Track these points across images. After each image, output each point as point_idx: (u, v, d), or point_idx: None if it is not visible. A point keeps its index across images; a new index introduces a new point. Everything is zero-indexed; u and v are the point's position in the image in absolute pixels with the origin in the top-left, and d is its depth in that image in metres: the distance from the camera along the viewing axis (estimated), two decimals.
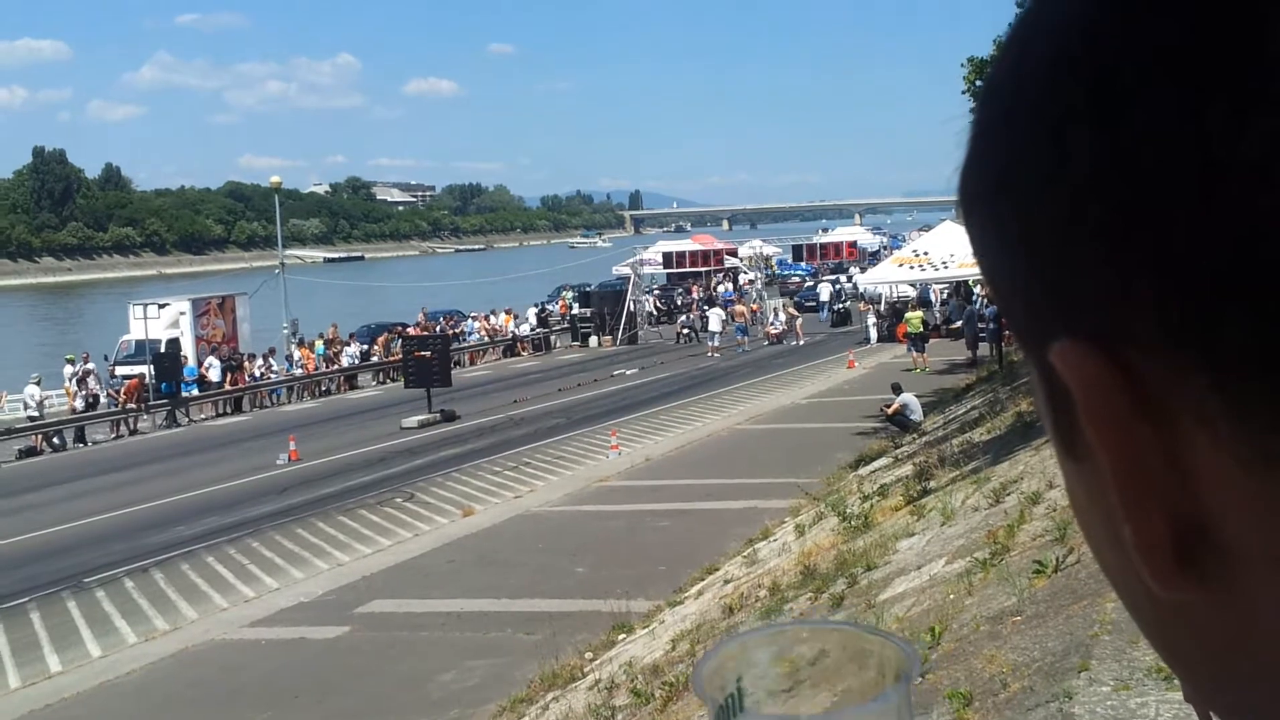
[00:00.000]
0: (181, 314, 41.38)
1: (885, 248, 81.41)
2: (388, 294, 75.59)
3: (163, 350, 37.90)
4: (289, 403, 41.39)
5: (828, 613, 9.88)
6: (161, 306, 40.85)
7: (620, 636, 13.53)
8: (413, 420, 32.13)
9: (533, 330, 53.60)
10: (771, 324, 49.45)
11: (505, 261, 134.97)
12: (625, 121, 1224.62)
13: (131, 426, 36.66)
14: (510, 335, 52.30)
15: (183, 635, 16.09)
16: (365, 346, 46.86)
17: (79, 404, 36.36)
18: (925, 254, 41.17)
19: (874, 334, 45.10)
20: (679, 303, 61.64)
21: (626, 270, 58.38)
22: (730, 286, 67.90)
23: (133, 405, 36.41)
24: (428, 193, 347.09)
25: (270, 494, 24.74)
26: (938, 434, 21.70)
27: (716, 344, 46.70)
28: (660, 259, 73.06)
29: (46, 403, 36.18)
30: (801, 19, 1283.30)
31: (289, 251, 63.71)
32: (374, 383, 45.03)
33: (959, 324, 39.26)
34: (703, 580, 15.44)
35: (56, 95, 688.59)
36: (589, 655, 12.99)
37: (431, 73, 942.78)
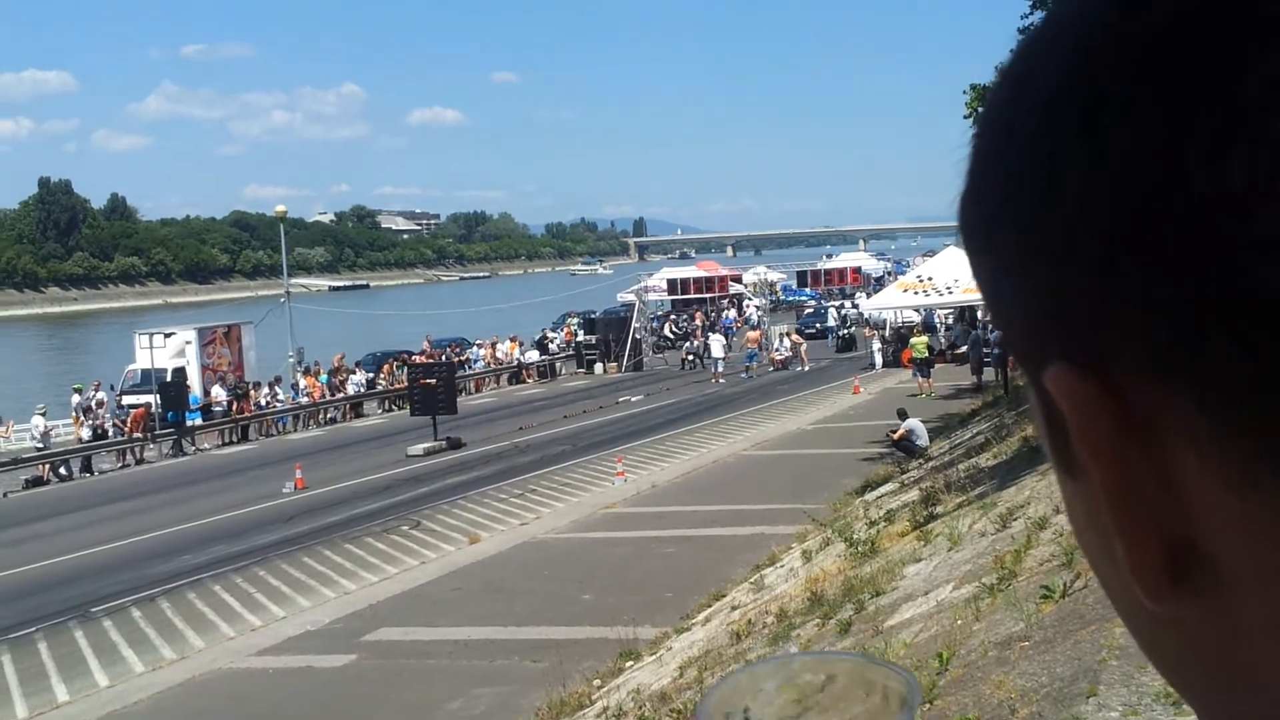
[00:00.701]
0: (187, 343, 41.42)
1: (890, 273, 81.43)
2: (393, 322, 75.64)
3: (168, 380, 37.92)
4: (295, 431, 41.41)
5: (835, 639, 9.88)
6: (167, 336, 40.89)
7: (627, 664, 13.52)
8: (418, 448, 32.13)
9: (542, 355, 53.63)
10: (776, 350, 49.46)
11: (510, 289, 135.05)
12: (629, 149, 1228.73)
13: (138, 456, 36.70)
14: (515, 362, 52.32)
15: (190, 664, 16.08)
16: (370, 375, 46.91)
17: (85, 433, 36.38)
18: (930, 279, 41.23)
19: (879, 359, 45.09)
20: (684, 329, 61.74)
21: (631, 297, 58.44)
22: (733, 314, 68.02)
23: (139, 435, 36.44)
24: (432, 221, 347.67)
25: (277, 522, 24.74)
26: (944, 459, 21.67)
27: (720, 370, 46.71)
28: (665, 285, 73.19)
29: (53, 432, 36.22)
30: (806, 47, 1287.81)
31: (294, 280, 63.89)
32: (379, 410, 45.08)
33: (964, 349, 39.26)
34: (710, 607, 15.43)
35: (62, 126, 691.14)
36: (596, 683, 12.97)
37: (435, 102, 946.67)
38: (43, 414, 35.64)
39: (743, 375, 46.25)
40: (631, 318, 53.40)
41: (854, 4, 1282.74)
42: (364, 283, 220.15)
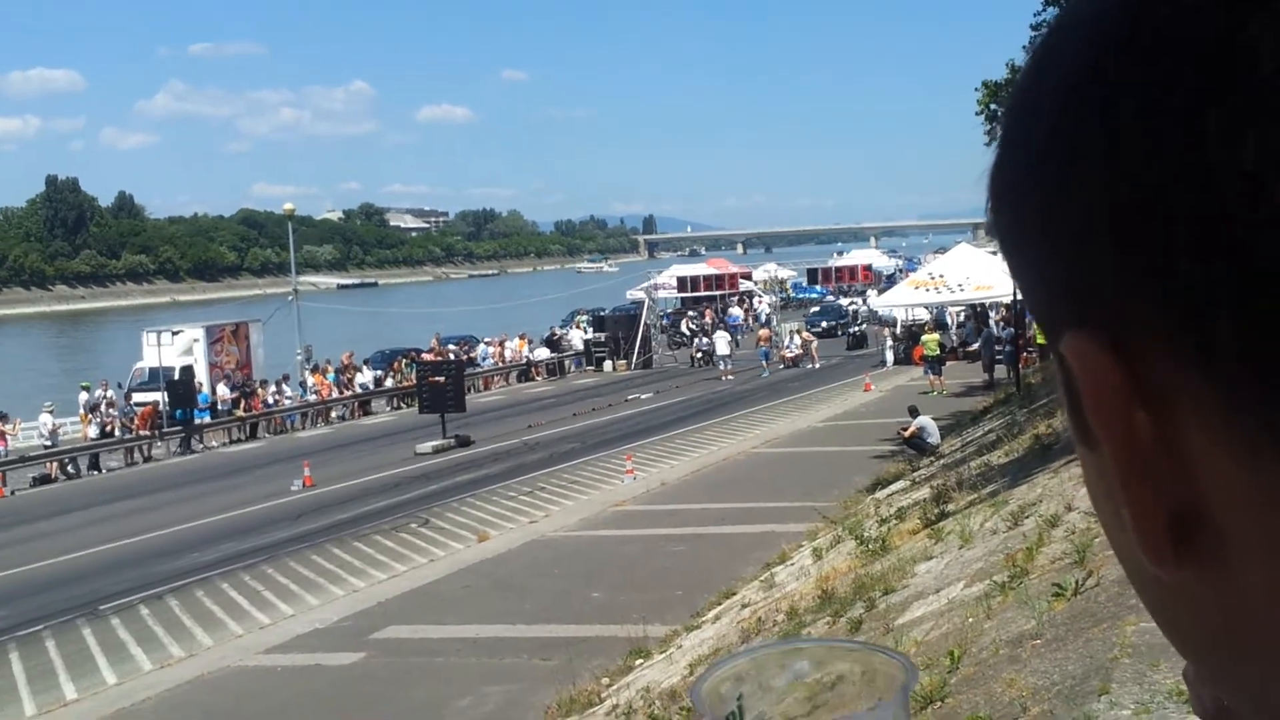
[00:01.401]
0: (195, 341, 41.44)
1: (901, 270, 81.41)
2: (401, 320, 75.70)
3: (176, 377, 37.96)
4: (303, 429, 41.43)
5: (847, 637, 9.83)
6: (175, 334, 40.96)
7: (637, 662, 13.49)
8: (427, 446, 32.13)
9: (554, 352, 53.63)
10: (787, 347, 49.41)
11: (519, 287, 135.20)
12: (639, 146, 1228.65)
13: (146, 454, 36.74)
14: (524, 360, 52.32)
15: (199, 662, 16.08)
16: (379, 372, 46.92)
17: (93, 431, 36.40)
18: (941, 276, 41.19)
19: (890, 357, 45.04)
20: (701, 325, 61.75)
21: (641, 295, 58.40)
22: (738, 312, 68.02)
23: (147, 432, 36.48)
24: (441, 218, 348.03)
25: (285, 520, 24.74)
26: (955, 457, 21.63)
27: (729, 367, 46.65)
28: (675, 283, 73.14)
29: (60, 430, 36.27)
30: (817, 43, 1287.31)
31: (302, 278, 63.96)
32: (388, 408, 45.09)
33: (976, 346, 39.18)
34: (720, 605, 15.40)
35: (70, 124, 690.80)
36: (606, 681, 12.95)
37: (445, 99, 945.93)
38: (51, 412, 35.67)
39: (760, 374, 46.12)
40: (641, 315, 53.39)
41: (865, 3, 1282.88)
42: (372, 280, 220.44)
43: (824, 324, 56.47)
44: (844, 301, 66.94)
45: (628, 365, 51.28)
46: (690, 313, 65.31)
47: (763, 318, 58.35)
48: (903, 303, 45.16)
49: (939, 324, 44.74)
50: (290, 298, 49.12)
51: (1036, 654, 6.78)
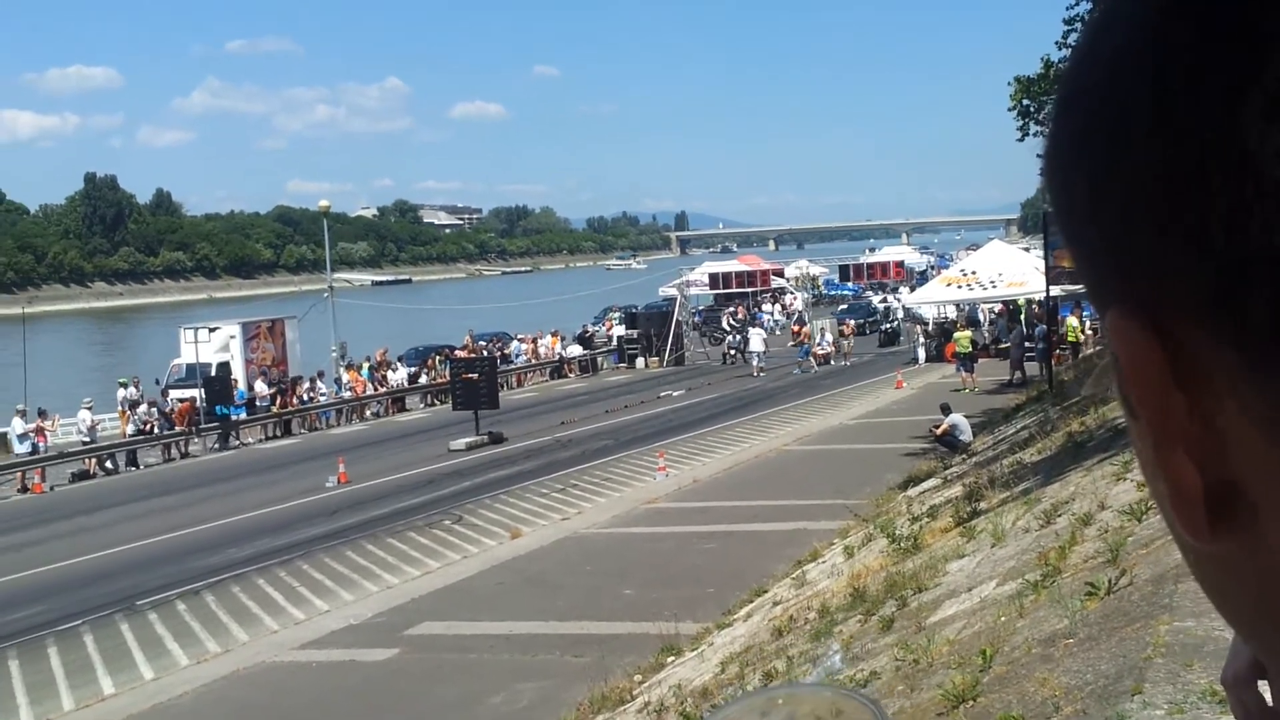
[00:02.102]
0: (232, 338, 41.77)
1: (933, 267, 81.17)
2: (435, 316, 75.98)
3: (213, 374, 38.23)
4: (338, 425, 41.64)
5: (878, 635, 9.83)
6: (212, 330, 41.24)
7: (669, 659, 13.51)
8: (460, 442, 32.23)
9: (587, 350, 53.70)
10: (819, 344, 49.32)
11: (551, 284, 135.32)
12: (670, 142, 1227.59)
13: (183, 450, 36.99)
14: (557, 357, 52.41)
15: (234, 657, 16.19)
16: (413, 369, 47.09)
17: (130, 428, 36.66)
18: (973, 273, 41.08)
19: (922, 354, 44.92)
20: (743, 321, 61.79)
21: (673, 291, 58.43)
22: (769, 308, 68.02)
23: (184, 429, 36.74)
24: (474, 215, 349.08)
25: (320, 516, 24.88)
26: (987, 455, 21.56)
27: (761, 364, 46.62)
28: (706, 280, 73.13)
29: (99, 427, 36.55)
30: (848, 39, 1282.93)
31: (337, 275, 64.16)
32: (421, 405, 45.25)
33: (1008, 344, 39.06)
34: (751, 602, 15.40)
35: (108, 122, 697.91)
36: (638, 678, 12.97)
37: (478, 96, 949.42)
38: (89, 408, 35.95)
39: (797, 371, 46.02)
40: (673, 312, 53.43)
41: None
42: (406, 277, 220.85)
43: (852, 322, 56.31)
44: (875, 299, 66.83)
45: (660, 362, 51.32)
46: (730, 309, 65.36)
47: (797, 315, 58.15)
48: (935, 300, 45.04)
49: (971, 321, 44.57)
50: (325, 294, 49.39)
51: (1069, 653, 6.77)
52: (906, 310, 52.35)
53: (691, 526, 21.15)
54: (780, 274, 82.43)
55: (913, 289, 59.72)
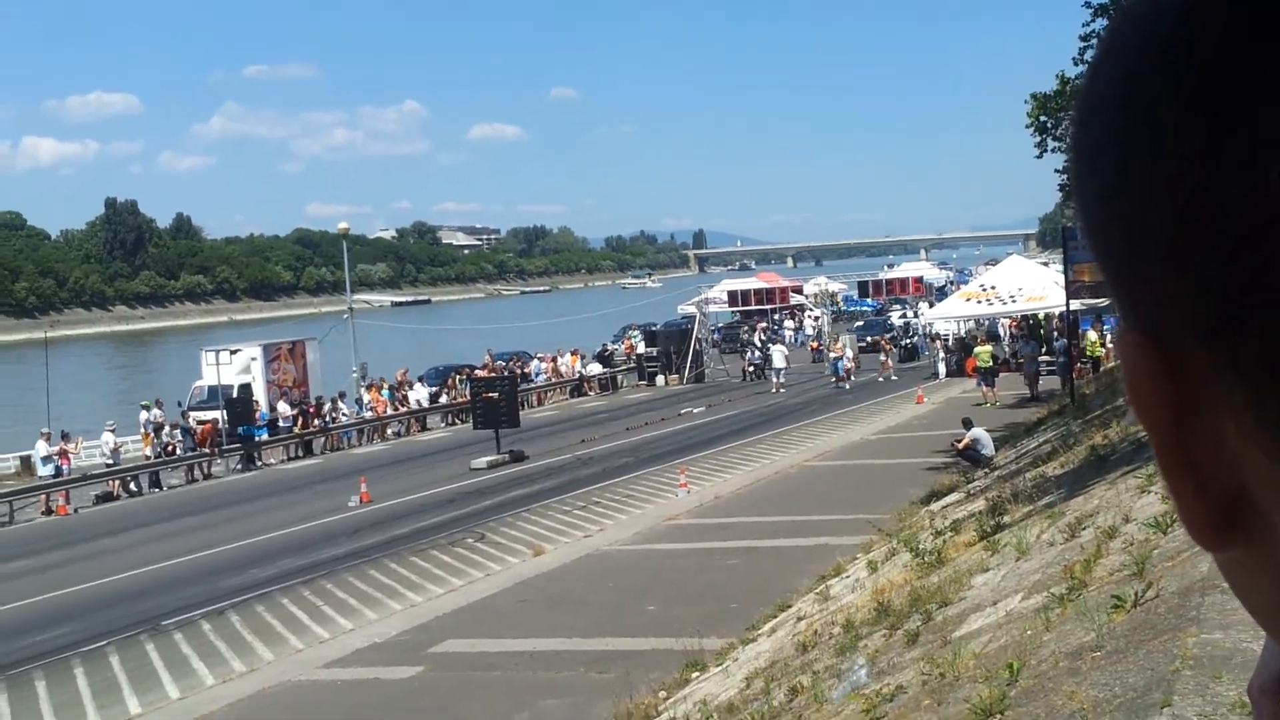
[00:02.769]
0: (253, 359, 41.91)
1: (952, 282, 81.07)
2: (455, 336, 76.07)
3: (235, 395, 38.35)
4: (359, 445, 41.73)
5: (903, 649, 9.82)
6: (233, 353, 41.36)
7: (693, 675, 13.51)
8: (482, 461, 32.28)
9: (605, 368, 53.69)
10: (846, 361, 49.13)
11: (570, 303, 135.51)
12: (688, 162, 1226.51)
13: (206, 471, 37.11)
14: (577, 375, 52.46)
15: (260, 676, 16.24)
16: (434, 389, 47.17)
17: (149, 450, 36.70)
18: (993, 288, 41.00)
19: (943, 369, 44.83)
20: (743, 340, 61.77)
21: (692, 309, 58.44)
22: (792, 325, 68.05)
23: (207, 450, 36.87)
24: (493, 236, 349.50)
25: (343, 536, 24.94)
26: (1010, 469, 21.51)
27: (781, 380, 46.59)
28: (725, 297, 73.09)
29: (122, 449, 36.69)
30: (864, 55, 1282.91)
31: (357, 296, 64.39)
32: (443, 424, 45.33)
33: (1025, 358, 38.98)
34: (775, 617, 15.39)
35: (128, 148, 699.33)
36: (663, 694, 12.97)
37: (495, 118, 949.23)
38: (113, 430, 36.10)
39: (835, 385, 45.72)
40: (693, 330, 53.42)
41: (913, 16, 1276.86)
42: (425, 298, 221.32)
43: (868, 339, 56.12)
44: (894, 314, 66.73)
45: (680, 379, 51.31)
46: (761, 324, 65.32)
47: (825, 331, 57.77)
48: (954, 315, 44.97)
49: (992, 336, 44.50)
50: (345, 316, 49.59)
51: (1096, 666, 6.75)
52: (927, 327, 52.16)
53: (714, 542, 21.14)
54: (799, 291, 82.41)
55: (932, 304, 59.59)
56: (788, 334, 64.28)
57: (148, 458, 36.53)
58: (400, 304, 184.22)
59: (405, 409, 44.49)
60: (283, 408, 40.21)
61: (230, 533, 26.12)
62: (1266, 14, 0.43)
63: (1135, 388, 0.50)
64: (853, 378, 47.15)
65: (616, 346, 59.40)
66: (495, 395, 33.78)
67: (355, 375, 45.38)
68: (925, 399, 37.67)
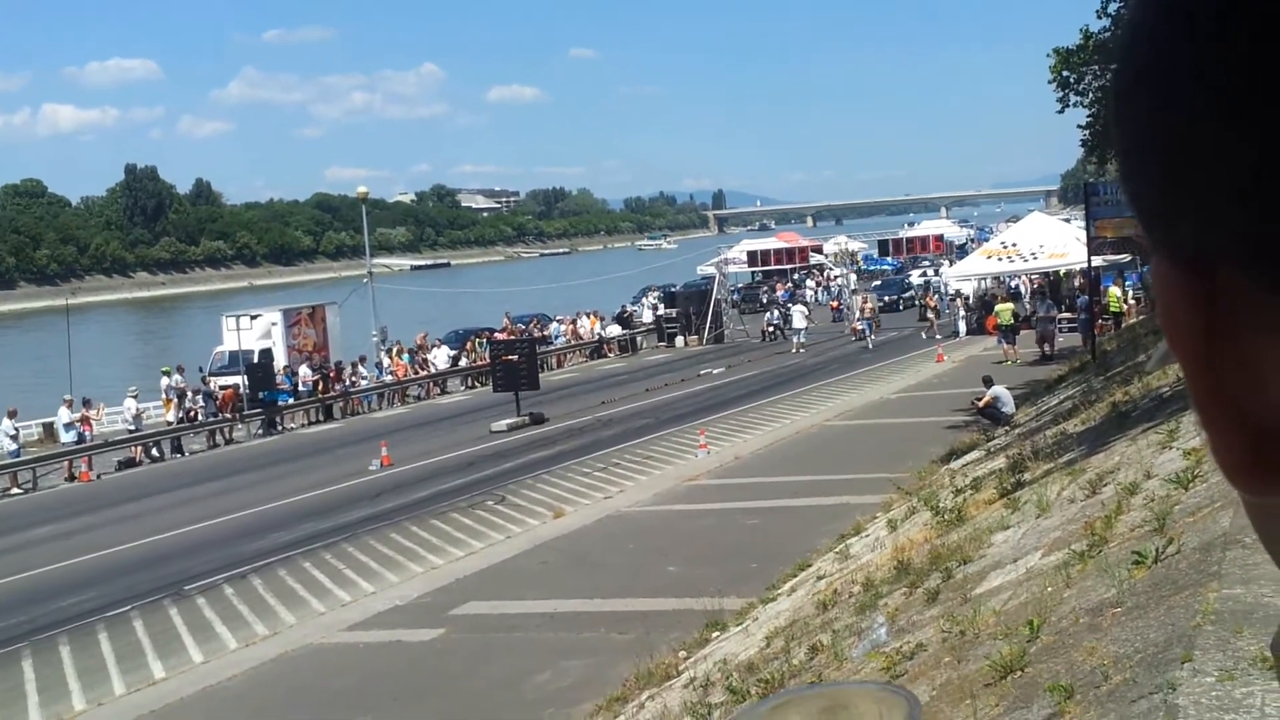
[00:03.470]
0: (273, 324, 41.99)
1: (973, 240, 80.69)
2: (474, 300, 76.11)
3: (256, 360, 38.46)
4: (380, 409, 41.82)
5: (923, 607, 9.79)
6: (254, 318, 41.45)
7: (714, 634, 13.52)
8: (502, 424, 32.32)
9: (625, 329, 53.66)
10: (856, 320, 49.04)
11: (589, 265, 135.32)
12: (708, 122, 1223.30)
13: (227, 436, 37.26)
14: (596, 337, 52.44)
15: (282, 640, 16.32)
16: (454, 352, 47.21)
17: (172, 416, 36.81)
18: (1014, 245, 40.82)
19: (963, 327, 44.68)
20: (764, 300, 61.65)
21: (712, 270, 58.37)
22: (814, 285, 67.82)
23: (228, 415, 37.00)
24: (512, 198, 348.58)
25: (364, 499, 25.03)
26: (1030, 426, 21.42)
27: (802, 340, 46.49)
28: (745, 258, 72.94)
29: (144, 415, 36.85)
30: (884, 11, 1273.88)
31: (376, 260, 64.49)
32: (462, 388, 45.39)
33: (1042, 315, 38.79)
34: (795, 577, 15.39)
35: (147, 114, 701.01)
36: (683, 653, 12.99)
37: (514, 80, 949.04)
38: (135, 396, 36.26)
39: (857, 341, 45.60)
40: (712, 290, 53.33)
41: None
42: (445, 261, 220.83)
43: (885, 298, 55.87)
44: (914, 273, 66.52)
45: (699, 340, 51.25)
46: (781, 284, 65.19)
47: (850, 290, 57.52)
48: (975, 273, 44.78)
49: (1012, 293, 44.32)
50: (365, 280, 49.62)
51: (1117, 622, 6.71)
52: (943, 284, 51.84)
53: (733, 503, 21.14)
54: (819, 250, 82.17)
55: (952, 262, 59.34)
56: (809, 294, 64.11)
57: (170, 423, 36.68)
58: (420, 267, 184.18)
59: (425, 372, 44.55)
60: (304, 372, 40.28)
61: (252, 497, 26.23)
62: None
63: (1170, 319, 0.48)
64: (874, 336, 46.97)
65: (635, 308, 59.32)
66: (515, 358, 33.80)
67: (375, 339, 45.44)
68: (945, 357, 37.55)
